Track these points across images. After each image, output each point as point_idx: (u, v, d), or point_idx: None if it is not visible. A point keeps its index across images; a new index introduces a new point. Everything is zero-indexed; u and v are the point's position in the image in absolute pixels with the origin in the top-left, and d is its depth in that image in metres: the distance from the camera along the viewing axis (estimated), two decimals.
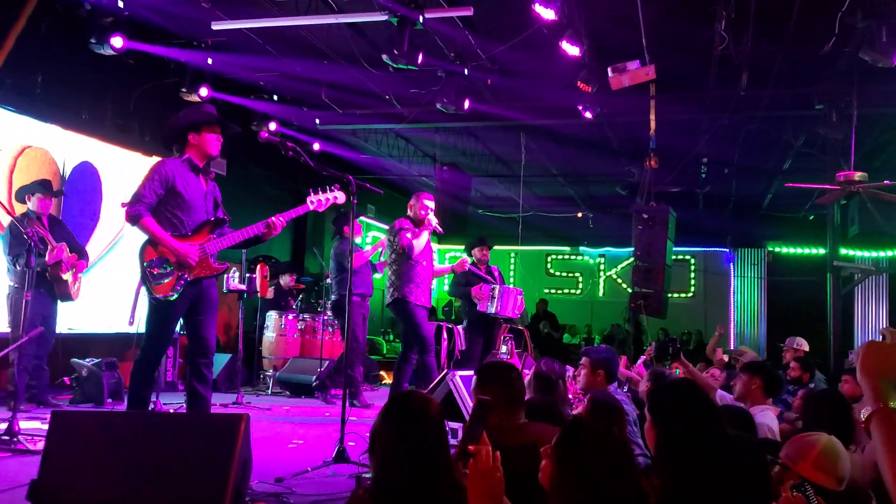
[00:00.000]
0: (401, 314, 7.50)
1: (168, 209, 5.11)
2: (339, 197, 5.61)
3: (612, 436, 2.32)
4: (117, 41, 8.56)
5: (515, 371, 3.49)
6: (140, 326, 5.47)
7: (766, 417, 4.59)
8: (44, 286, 7.29)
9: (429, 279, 7.60)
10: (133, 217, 5.02)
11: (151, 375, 5.28)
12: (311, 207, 5.52)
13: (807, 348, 8.61)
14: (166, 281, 5.00)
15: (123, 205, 5.12)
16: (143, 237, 5.10)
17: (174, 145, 5.34)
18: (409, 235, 7.34)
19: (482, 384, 3.35)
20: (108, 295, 9.12)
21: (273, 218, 5.32)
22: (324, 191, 5.56)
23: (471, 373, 6.75)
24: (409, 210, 7.63)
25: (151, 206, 5.05)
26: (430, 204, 7.58)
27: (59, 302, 7.62)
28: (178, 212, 5.12)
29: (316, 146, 12.73)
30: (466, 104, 10.12)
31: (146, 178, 5.10)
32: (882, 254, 15.82)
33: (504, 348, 9.74)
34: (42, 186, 7.62)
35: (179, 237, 5.09)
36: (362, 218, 16.55)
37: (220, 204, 5.42)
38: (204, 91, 9.97)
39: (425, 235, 7.45)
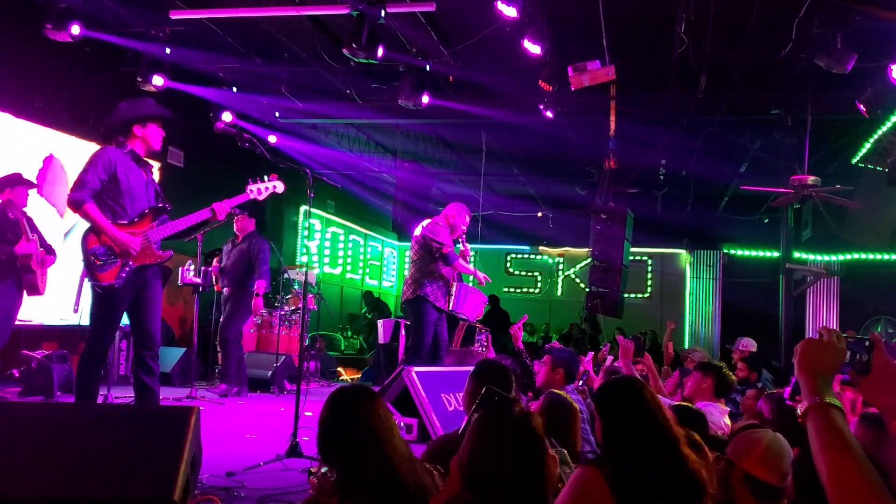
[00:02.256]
0: (413, 312, 7.40)
1: (110, 196, 5.05)
2: (279, 186, 5.59)
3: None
4: (75, 29, 8.41)
5: (511, 374, 3.67)
6: (84, 318, 5.38)
7: (711, 415, 4.67)
8: (11, 277, 7.12)
9: (449, 280, 7.57)
10: (76, 203, 4.95)
11: (98, 368, 5.20)
12: (251, 196, 5.51)
13: (753, 349, 8.72)
14: (110, 268, 4.94)
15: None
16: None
17: (117, 136, 5.26)
18: (447, 249, 7.29)
19: (479, 379, 3.47)
20: (61, 286, 8.94)
21: (215, 204, 5.31)
22: (262, 180, 5.55)
23: (427, 369, 6.78)
24: (447, 215, 7.54)
25: (95, 192, 4.99)
26: (468, 220, 7.62)
27: (24, 295, 7.43)
28: (120, 199, 5.07)
29: (273, 139, 12.52)
30: (426, 99, 10.12)
31: (89, 164, 5.04)
32: (834, 257, 16.11)
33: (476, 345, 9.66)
34: (21, 179, 7.42)
35: (122, 225, 5.03)
36: (320, 213, 16.49)
37: (160, 194, 5.39)
38: (160, 80, 9.82)
39: (458, 249, 7.49)
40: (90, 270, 4.96)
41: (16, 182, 7.26)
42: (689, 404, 4.55)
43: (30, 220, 7.46)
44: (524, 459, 2.26)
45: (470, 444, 2.32)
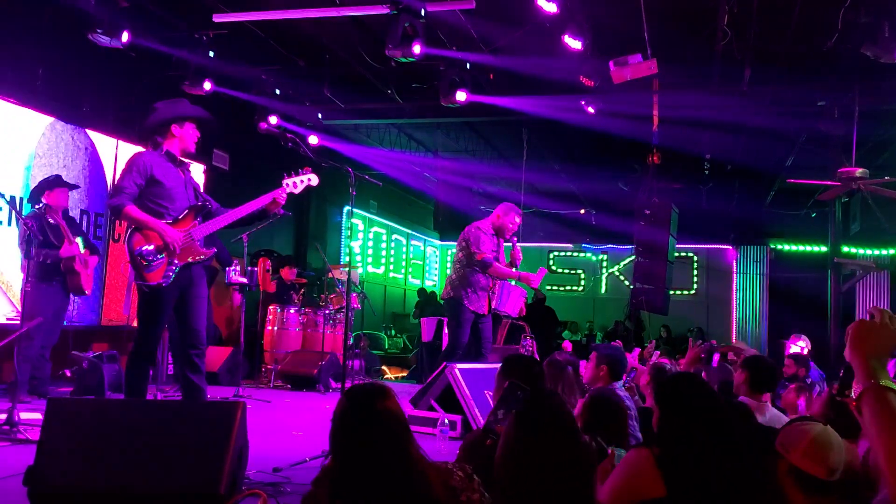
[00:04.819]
0: (449, 312, 7.51)
1: (150, 199, 5.09)
2: (313, 179, 5.62)
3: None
4: (124, 36, 8.53)
5: (538, 366, 3.74)
6: (133, 318, 5.45)
7: None
8: (57, 278, 7.26)
9: (488, 286, 7.56)
10: (116, 208, 5.02)
11: (147, 367, 5.24)
12: (287, 190, 5.53)
13: (804, 344, 8.59)
14: (157, 268, 5.00)
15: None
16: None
17: (154, 136, 5.31)
18: (480, 256, 7.28)
19: (506, 374, 3.50)
20: (108, 287, 9.12)
21: (273, 192, 5.34)
22: (297, 174, 5.58)
23: (470, 365, 6.79)
24: (496, 216, 7.55)
25: (133, 197, 5.04)
26: (519, 220, 7.62)
27: (70, 296, 7.58)
28: (160, 200, 5.11)
29: (314, 139, 12.52)
30: (464, 96, 10.10)
31: (124, 171, 5.10)
32: (883, 251, 15.79)
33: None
34: (60, 181, 7.57)
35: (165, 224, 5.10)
36: (363, 213, 16.57)
37: (199, 192, 5.44)
38: (209, 85, 9.94)
39: (508, 250, 7.54)
40: (137, 271, 5.03)
41: (55, 184, 7.39)
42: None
43: (72, 221, 7.61)
44: (560, 456, 2.16)
45: (505, 448, 2.25)
